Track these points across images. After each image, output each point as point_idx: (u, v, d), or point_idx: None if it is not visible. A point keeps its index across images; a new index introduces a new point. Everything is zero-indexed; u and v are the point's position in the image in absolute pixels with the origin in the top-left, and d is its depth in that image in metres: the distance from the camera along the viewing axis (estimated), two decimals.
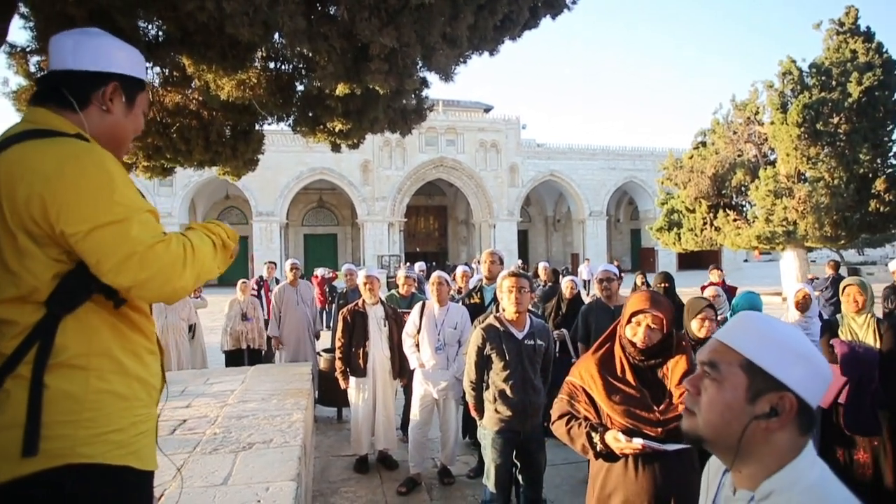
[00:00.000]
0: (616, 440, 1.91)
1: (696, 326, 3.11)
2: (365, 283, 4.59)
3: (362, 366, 4.45)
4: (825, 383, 0.90)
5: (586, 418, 2.05)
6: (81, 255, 1.13)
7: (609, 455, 1.96)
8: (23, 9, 3.20)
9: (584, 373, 2.10)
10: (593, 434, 1.97)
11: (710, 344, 0.97)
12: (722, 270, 8.84)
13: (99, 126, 1.27)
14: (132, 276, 1.13)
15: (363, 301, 4.61)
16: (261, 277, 8.64)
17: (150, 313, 1.36)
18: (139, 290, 1.17)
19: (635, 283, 9.29)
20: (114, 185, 1.15)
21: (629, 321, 2.05)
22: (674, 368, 2.04)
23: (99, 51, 1.27)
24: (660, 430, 1.94)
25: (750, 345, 0.91)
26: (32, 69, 3.25)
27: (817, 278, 10.55)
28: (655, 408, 1.96)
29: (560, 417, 2.12)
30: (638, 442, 1.86)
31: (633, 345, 2.03)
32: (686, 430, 0.96)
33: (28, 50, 3.20)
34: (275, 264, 9.13)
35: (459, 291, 5.87)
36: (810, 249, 17.03)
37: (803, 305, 3.95)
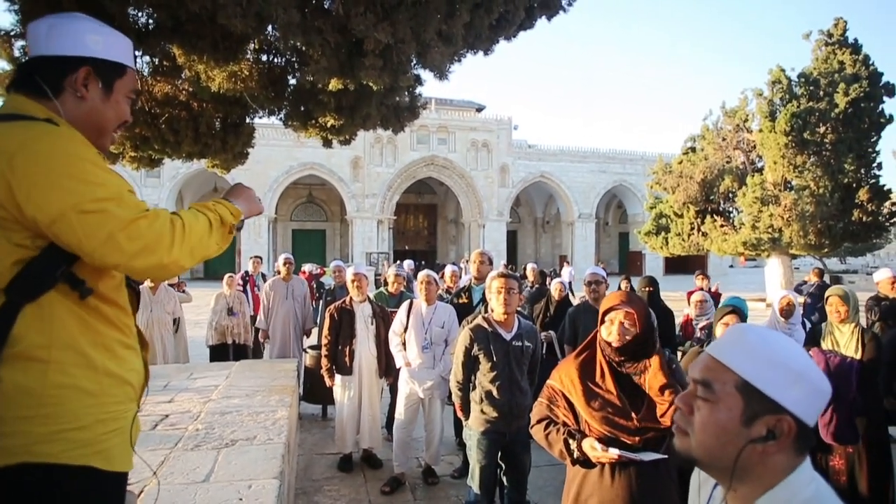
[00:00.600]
0: (592, 448, 1.90)
1: (721, 333, 3.09)
2: (353, 281, 4.56)
3: (348, 364, 4.42)
4: (824, 400, 0.86)
5: (565, 424, 2.04)
6: (57, 239, 1.08)
7: (586, 462, 1.96)
8: None
9: (564, 377, 2.08)
10: (570, 441, 1.96)
11: (703, 360, 0.91)
12: (709, 277, 8.90)
13: (75, 113, 1.22)
14: (118, 254, 1.09)
15: (350, 298, 4.58)
16: (246, 272, 8.55)
17: (131, 306, 1.30)
18: (128, 268, 1.13)
19: (619, 288, 9.33)
20: (85, 165, 1.11)
21: (603, 321, 2.03)
22: (652, 376, 2.01)
23: (71, 35, 1.22)
24: (637, 438, 1.92)
25: (746, 364, 0.85)
26: (17, 54, 3.17)
27: (805, 283, 10.68)
28: (634, 415, 1.95)
29: (539, 422, 2.11)
30: (614, 452, 1.85)
31: (609, 345, 2.00)
32: (679, 450, 0.91)
33: (12, 34, 3.12)
34: (261, 259, 9.05)
35: (448, 291, 5.86)
36: (794, 257, 17.27)
37: (787, 312, 3.99)
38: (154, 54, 3.82)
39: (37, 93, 1.19)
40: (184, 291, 7.39)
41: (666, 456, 1.87)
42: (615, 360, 2.02)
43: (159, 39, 3.12)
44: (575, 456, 1.95)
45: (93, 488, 1.15)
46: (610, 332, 2.00)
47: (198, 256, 1.23)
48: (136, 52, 4.00)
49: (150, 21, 3.20)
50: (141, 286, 1.51)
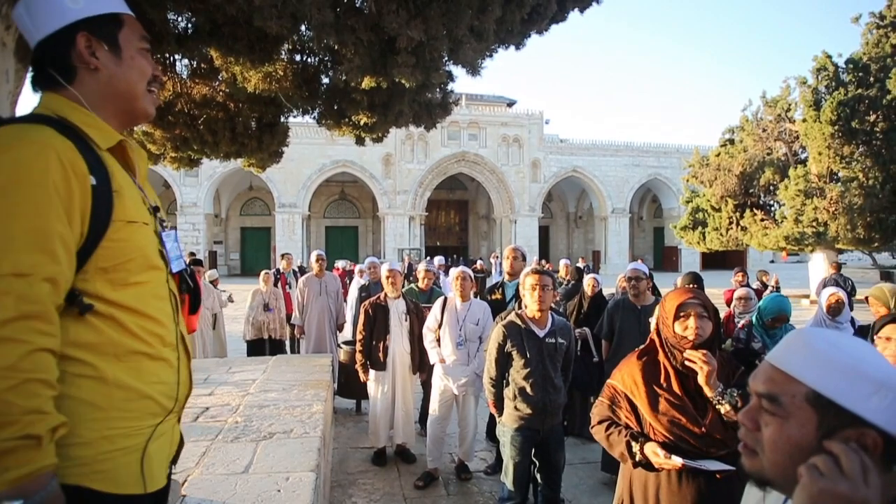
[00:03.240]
0: (655, 454, 1.86)
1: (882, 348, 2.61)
2: (387, 277, 4.60)
3: (382, 359, 4.47)
4: None
5: (627, 426, 2.00)
6: None
7: (647, 465, 1.91)
8: None
9: (626, 378, 2.04)
10: (633, 443, 1.93)
11: (765, 371, 0.82)
12: (767, 273, 8.47)
13: (96, 90, 1.10)
14: None
15: (385, 295, 4.62)
16: (278, 270, 8.69)
17: (166, 313, 1.17)
18: None
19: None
20: (5, 213, 0.92)
21: (677, 317, 1.96)
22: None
23: (48, 5, 1.07)
24: (703, 446, 1.87)
25: (815, 373, 0.76)
26: None
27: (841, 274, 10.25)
28: (701, 421, 1.89)
29: (601, 422, 2.07)
30: (677, 460, 1.81)
31: (686, 340, 1.92)
32: (750, 471, 0.83)
33: None
34: (291, 256, 9.19)
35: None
36: (841, 251, 16.56)
37: (835, 309, 3.81)
38: (192, 57, 3.93)
39: (52, 82, 1.09)
40: (231, 300, 7.60)
41: (734, 468, 1.80)
42: (682, 360, 1.94)
43: (198, 43, 3.20)
44: (637, 459, 1.91)
45: None
46: (686, 326, 1.93)
47: None
48: (176, 56, 4.13)
49: (189, 25, 3.29)
50: None
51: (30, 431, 0.88)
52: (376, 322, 4.52)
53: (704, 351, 1.89)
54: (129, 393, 1.07)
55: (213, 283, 7.53)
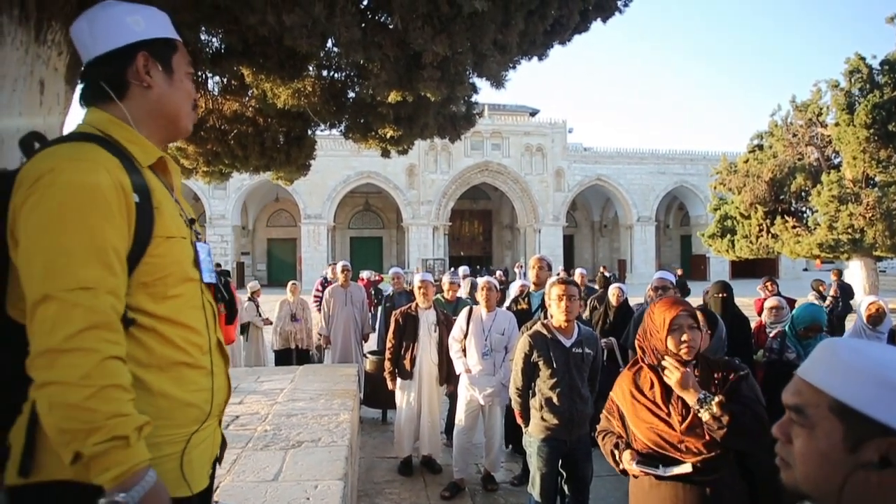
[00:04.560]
0: (625, 461, 1.96)
1: None
2: (419, 288, 4.64)
3: (409, 368, 4.49)
4: None
5: (620, 436, 2.08)
6: None
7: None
8: None
9: (618, 389, 2.12)
10: (616, 452, 2.02)
11: (794, 383, 0.82)
12: (824, 283, 7.97)
13: (144, 107, 1.16)
14: (37, 377, 0.94)
15: (416, 305, 4.65)
16: (325, 279, 8.84)
17: (202, 322, 1.20)
18: (39, 396, 0.94)
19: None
20: (65, 229, 0.97)
21: (670, 331, 1.97)
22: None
23: (113, 24, 1.14)
24: (684, 454, 1.89)
25: (838, 383, 0.75)
26: None
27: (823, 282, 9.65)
28: (678, 426, 1.92)
29: (600, 433, 2.17)
30: (636, 468, 1.91)
31: (679, 353, 1.94)
32: (786, 484, 0.83)
33: None
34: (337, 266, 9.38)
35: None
36: (879, 259, 16.00)
37: (876, 319, 3.69)
38: (224, 75, 4.07)
39: (103, 97, 1.15)
40: (269, 322, 7.68)
41: (690, 471, 1.84)
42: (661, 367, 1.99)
43: (230, 62, 3.31)
44: (621, 467, 2.00)
45: None
46: (679, 340, 1.95)
47: (73, 412, 0.94)
48: (208, 74, 4.27)
49: (222, 46, 3.40)
50: None
51: (116, 433, 0.94)
52: (406, 331, 4.55)
53: (672, 360, 1.94)
54: (172, 402, 1.11)
55: (255, 293, 7.65)
